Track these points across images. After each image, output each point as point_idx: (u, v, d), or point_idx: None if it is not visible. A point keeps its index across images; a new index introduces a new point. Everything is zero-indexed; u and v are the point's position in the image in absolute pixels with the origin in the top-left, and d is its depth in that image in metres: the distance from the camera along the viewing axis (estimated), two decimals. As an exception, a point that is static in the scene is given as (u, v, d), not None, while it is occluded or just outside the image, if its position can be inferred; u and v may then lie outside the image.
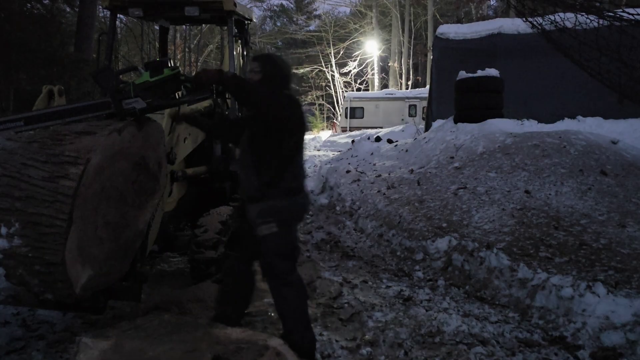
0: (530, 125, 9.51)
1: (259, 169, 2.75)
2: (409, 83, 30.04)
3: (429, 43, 24.38)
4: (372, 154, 9.84)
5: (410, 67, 31.18)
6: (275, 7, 41.77)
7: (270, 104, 2.65)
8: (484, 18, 26.46)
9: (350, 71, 30.86)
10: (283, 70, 2.84)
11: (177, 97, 3.58)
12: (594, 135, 6.80)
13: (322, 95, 35.25)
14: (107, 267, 2.54)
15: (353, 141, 12.58)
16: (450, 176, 6.30)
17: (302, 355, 2.72)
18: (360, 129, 21.23)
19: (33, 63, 10.82)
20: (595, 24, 4.45)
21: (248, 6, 13.75)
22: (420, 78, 33.30)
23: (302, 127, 2.83)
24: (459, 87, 8.32)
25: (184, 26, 24.70)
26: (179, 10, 4.75)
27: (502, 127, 7.62)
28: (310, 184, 9.63)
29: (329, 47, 32.22)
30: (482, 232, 4.77)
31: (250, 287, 3.08)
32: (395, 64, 29.92)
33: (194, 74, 3.00)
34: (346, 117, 23.33)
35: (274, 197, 2.76)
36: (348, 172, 8.28)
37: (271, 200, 2.76)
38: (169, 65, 2.92)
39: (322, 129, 32.34)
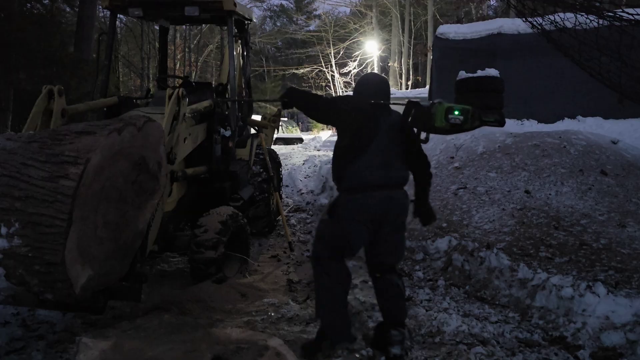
0: (530, 125, 9.53)
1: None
2: (409, 83, 30.03)
3: (429, 43, 24.37)
4: (372, 154, 9.82)
5: (410, 67, 31.16)
6: (275, 7, 41.83)
7: (318, 109, 3.18)
8: (484, 18, 26.45)
9: (350, 71, 30.84)
10: (360, 83, 3.23)
11: None
12: (594, 135, 6.80)
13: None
14: (107, 267, 2.54)
15: (353, 141, 12.55)
16: (450, 176, 6.29)
17: (324, 338, 2.97)
18: (361, 129, 21.14)
19: (33, 63, 10.80)
20: (595, 24, 4.44)
21: (248, 6, 13.75)
22: (420, 78, 33.30)
23: (358, 130, 2.98)
24: (459, 87, 8.30)
25: (184, 26, 24.71)
26: (179, 10, 4.76)
27: (502, 127, 7.61)
28: (310, 184, 9.64)
29: (329, 47, 32.20)
30: (482, 232, 4.77)
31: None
32: (395, 64, 29.90)
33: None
34: (346, 117, 23.25)
35: (339, 193, 3.05)
36: (348, 172, 8.27)
37: (336, 195, 3.07)
38: None
39: (322, 129, 32.35)
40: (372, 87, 3.14)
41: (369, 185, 2.93)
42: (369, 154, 2.94)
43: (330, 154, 3.48)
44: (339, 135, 3.09)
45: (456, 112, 2.94)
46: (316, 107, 3.18)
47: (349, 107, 3.07)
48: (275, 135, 7.22)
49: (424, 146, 3.13)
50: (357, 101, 3.11)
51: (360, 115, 3.01)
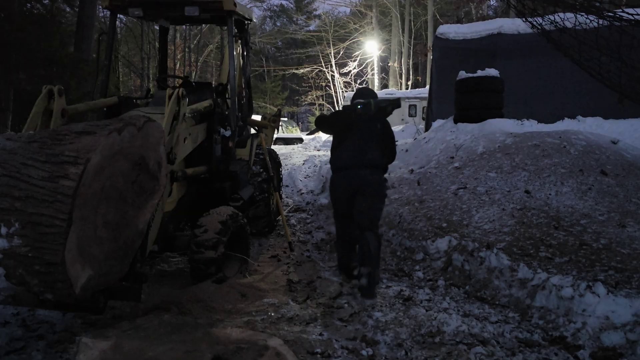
0: (530, 125, 9.51)
1: None
2: (409, 83, 30.04)
3: (429, 43, 24.38)
4: (372, 154, 9.80)
5: (410, 67, 31.18)
6: (275, 7, 41.89)
7: (319, 123, 4.57)
8: (484, 18, 26.47)
9: (350, 71, 30.86)
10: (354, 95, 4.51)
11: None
12: (594, 135, 6.79)
13: (322, 95, 35.27)
14: (106, 267, 2.54)
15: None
16: (450, 176, 6.29)
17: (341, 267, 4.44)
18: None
19: (33, 63, 10.80)
20: (595, 24, 4.44)
21: (248, 6, 13.75)
22: (420, 78, 33.33)
23: (336, 126, 4.40)
24: (459, 87, 8.31)
25: (184, 26, 24.72)
26: (179, 10, 4.76)
27: (502, 127, 7.61)
28: (310, 184, 9.64)
29: (329, 47, 32.23)
30: (482, 232, 4.77)
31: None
32: (395, 64, 29.92)
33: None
34: (346, 117, 23.21)
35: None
36: (348, 172, 8.25)
37: None
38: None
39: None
40: (359, 98, 4.31)
41: (344, 166, 4.16)
42: (347, 143, 4.17)
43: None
44: (332, 136, 4.39)
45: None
46: (323, 124, 4.55)
47: (336, 116, 4.72)
48: (275, 135, 7.22)
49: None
50: (342, 111, 4.71)
51: (341, 119, 4.43)
